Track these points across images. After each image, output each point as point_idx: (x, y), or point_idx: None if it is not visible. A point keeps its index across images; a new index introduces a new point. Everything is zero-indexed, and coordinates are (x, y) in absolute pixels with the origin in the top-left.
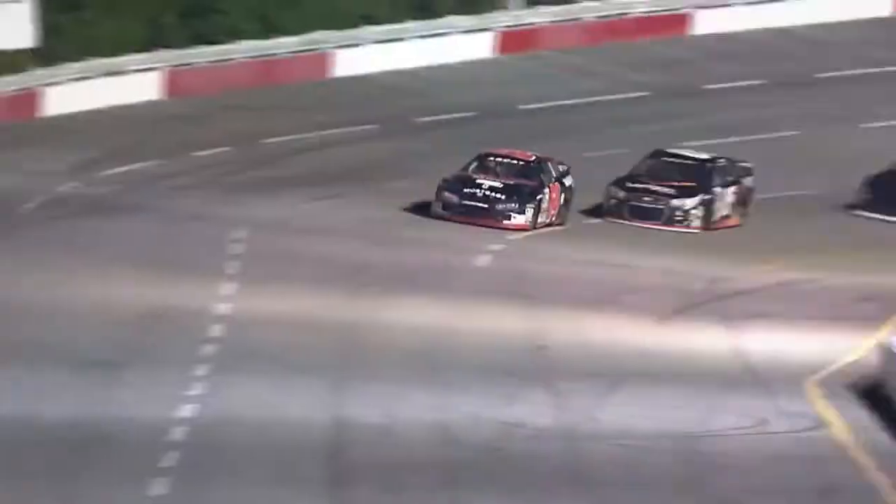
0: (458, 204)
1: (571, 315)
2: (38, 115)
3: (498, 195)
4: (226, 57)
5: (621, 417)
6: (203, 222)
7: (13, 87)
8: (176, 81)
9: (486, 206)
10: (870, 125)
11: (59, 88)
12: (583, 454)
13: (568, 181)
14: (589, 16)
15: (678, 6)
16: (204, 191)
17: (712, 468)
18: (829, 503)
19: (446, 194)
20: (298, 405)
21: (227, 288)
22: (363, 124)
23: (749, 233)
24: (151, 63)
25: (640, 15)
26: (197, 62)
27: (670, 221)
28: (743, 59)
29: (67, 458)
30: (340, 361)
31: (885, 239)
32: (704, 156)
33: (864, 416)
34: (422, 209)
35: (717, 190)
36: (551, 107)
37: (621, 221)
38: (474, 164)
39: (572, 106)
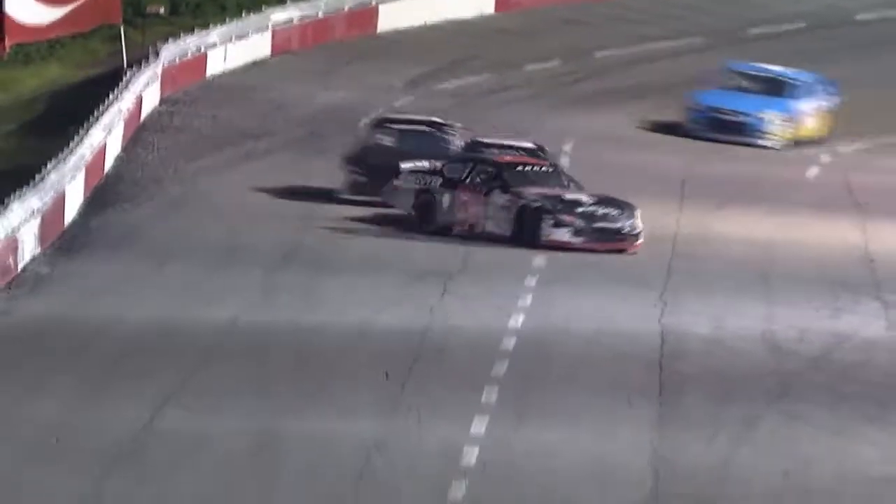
0: (590, 229)
1: None
2: (375, 30)
3: (613, 212)
4: None
5: None
6: (532, 135)
7: (351, 4)
8: None
9: (617, 226)
10: None
11: (394, 4)
12: None
13: None
14: None
15: None
16: (534, 104)
17: None
18: None
19: (567, 217)
20: (626, 315)
21: None
22: (692, 36)
23: None
24: None
25: None
26: None
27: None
28: None
29: (401, 365)
30: (669, 272)
31: None
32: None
33: None
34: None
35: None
36: (889, 17)
37: None
38: (506, 175)
39: None
